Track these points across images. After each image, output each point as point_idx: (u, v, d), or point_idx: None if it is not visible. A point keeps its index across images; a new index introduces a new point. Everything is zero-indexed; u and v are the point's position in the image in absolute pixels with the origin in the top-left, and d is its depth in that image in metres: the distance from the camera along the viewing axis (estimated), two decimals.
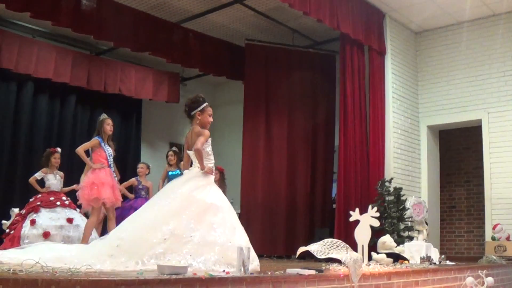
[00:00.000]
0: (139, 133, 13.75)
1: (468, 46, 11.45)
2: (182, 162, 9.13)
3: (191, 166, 6.33)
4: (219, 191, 6.21)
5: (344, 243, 5.75)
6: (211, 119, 6.46)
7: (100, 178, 8.35)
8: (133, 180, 10.72)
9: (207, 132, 6.28)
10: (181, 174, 10.31)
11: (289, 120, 11.94)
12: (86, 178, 8.46)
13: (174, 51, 11.47)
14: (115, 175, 8.69)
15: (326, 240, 5.83)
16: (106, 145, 8.61)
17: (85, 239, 8.01)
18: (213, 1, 10.93)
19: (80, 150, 8.47)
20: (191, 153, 6.26)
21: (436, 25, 11.79)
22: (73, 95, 12.46)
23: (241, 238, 5.85)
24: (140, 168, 10.69)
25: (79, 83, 11.93)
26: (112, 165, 8.64)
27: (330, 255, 5.57)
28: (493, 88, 11.06)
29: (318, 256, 5.55)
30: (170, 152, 10.81)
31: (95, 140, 8.57)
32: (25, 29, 11.53)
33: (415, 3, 10.74)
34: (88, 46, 12.54)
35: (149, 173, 10.82)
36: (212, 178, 6.22)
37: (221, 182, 10.39)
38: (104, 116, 8.79)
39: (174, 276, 4.13)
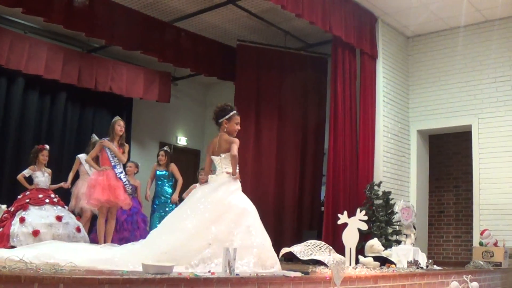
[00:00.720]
0: (129, 132, 13.51)
1: (460, 52, 11.48)
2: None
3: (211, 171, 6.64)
4: (245, 195, 6.44)
5: (327, 245, 5.77)
6: (238, 127, 6.71)
7: (109, 180, 8.58)
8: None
9: (237, 139, 6.55)
10: (168, 173, 10.43)
11: (279, 122, 11.94)
12: (93, 177, 8.67)
13: (166, 50, 11.44)
14: (124, 176, 8.90)
15: (309, 241, 5.88)
16: (107, 149, 8.75)
17: (100, 239, 8.51)
18: (206, 1, 10.93)
19: (89, 159, 8.87)
20: (216, 158, 6.55)
21: (428, 30, 11.82)
22: (64, 92, 12.42)
23: (268, 240, 6.19)
24: (129, 167, 10.65)
25: (70, 80, 11.87)
26: (117, 166, 8.77)
27: (312, 257, 5.59)
28: (483, 94, 11.09)
29: (301, 257, 5.59)
30: (162, 152, 10.79)
31: (98, 145, 8.81)
32: (17, 25, 11.47)
33: (408, 7, 10.75)
34: (80, 44, 12.50)
35: (137, 172, 10.80)
36: (239, 183, 6.47)
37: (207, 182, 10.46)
38: (116, 118, 8.99)
39: (159, 276, 4.13)
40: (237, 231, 5.89)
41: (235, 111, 6.72)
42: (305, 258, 5.57)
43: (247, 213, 6.14)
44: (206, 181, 6.62)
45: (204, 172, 6.79)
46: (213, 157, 6.63)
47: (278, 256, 6.13)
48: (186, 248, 5.58)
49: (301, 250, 5.70)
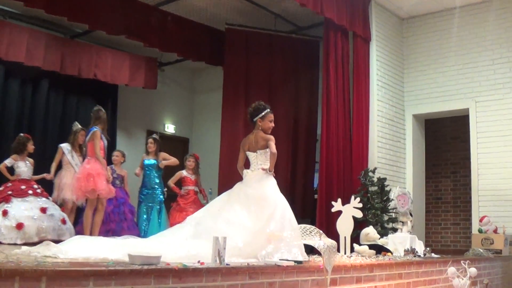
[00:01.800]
0: (115, 120, 13.61)
1: (456, 33, 11.43)
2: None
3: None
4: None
5: (317, 229, 5.89)
6: (272, 124, 7.16)
7: (97, 169, 8.58)
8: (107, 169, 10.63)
9: (273, 137, 7.00)
10: (157, 163, 10.36)
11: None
12: (82, 169, 8.70)
13: (151, 35, 11.35)
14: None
15: (298, 225, 6.02)
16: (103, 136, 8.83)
17: (86, 231, 8.56)
18: None
19: (98, 154, 8.73)
20: (252, 154, 7.00)
21: (424, 11, 11.78)
22: (46, 80, 12.34)
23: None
24: (115, 156, 10.58)
25: (52, 67, 11.78)
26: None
27: (303, 241, 5.71)
28: (481, 76, 11.07)
29: (290, 243, 5.66)
30: (150, 140, 10.67)
31: (96, 132, 8.73)
32: None
33: None
34: (62, 29, 12.38)
35: (124, 161, 10.73)
36: (275, 179, 6.94)
37: (195, 170, 10.44)
38: (98, 107, 9.05)
39: (146, 267, 4.10)
40: (286, 225, 6.32)
41: (268, 109, 7.18)
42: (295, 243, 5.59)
43: (288, 207, 6.62)
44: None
45: (238, 166, 7.20)
46: (249, 153, 7.07)
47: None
48: (252, 246, 5.95)
49: (290, 235, 5.86)
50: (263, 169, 6.85)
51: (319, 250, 5.48)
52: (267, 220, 6.29)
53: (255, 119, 7.13)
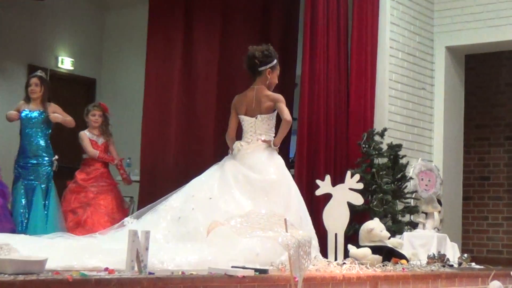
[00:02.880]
0: None
1: None
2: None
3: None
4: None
5: (284, 217, 5.77)
6: (276, 80, 7.88)
7: None
8: None
9: (282, 97, 7.71)
10: (44, 116, 10.16)
11: (222, 37, 11.82)
12: None
13: None
14: None
15: (256, 211, 6.01)
16: None
17: None
18: None
19: None
20: (249, 120, 7.64)
21: None
22: None
23: None
24: None
25: None
26: None
27: (257, 234, 5.64)
28: None
29: (239, 236, 5.75)
30: (34, 80, 10.48)
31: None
32: None
33: None
34: None
35: None
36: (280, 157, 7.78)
37: (104, 129, 10.52)
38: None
39: (21, 277, 4.12)
40: (303, 221, 7.28)
41: (277, 58, 7.83)
42: (247, 236, 5.69)
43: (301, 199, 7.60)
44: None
45: (228, 136, 7.91)
46: (244, 118, 7.70)
47: (206, 235, 6.57)
48: (270, 251, 6.50)
49: (240, 224, 5.70)
50: (265, 141, 7.55)
51: (282, 246, 5.42)
52: (284, 213, 6.50)
53: (262, 69, 7.72)
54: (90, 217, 9.94)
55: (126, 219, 7.49)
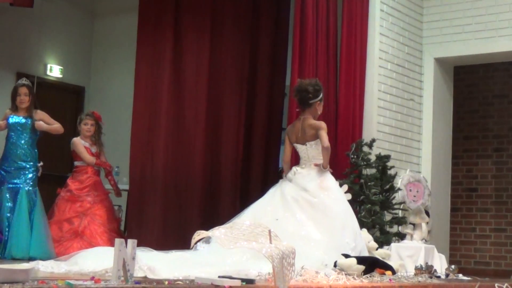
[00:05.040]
0: None
1: None
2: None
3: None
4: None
5: (269, 228, 5.86)
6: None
7: None
8: None
9: (324, 123, 8.60)
10: (30, 122, 10.12)
11: (212, 45, 11.83)
12: None
13: None
14: None
15: (240, 221, 6.24)
16: None
17: None
18: None
19: None
20: (301, 147, 8.62)
21: None
22: None
23: None
24: None
25: None
26: None
27: (241, 245, 5.75)
28: None
29: (223, 246, 5.84)
30: (23, 89, 10.42)
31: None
32: None
33: None
34: None
35: None
36: (332, 176, 8.72)
37: (96, 138, 10.50)
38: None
39: (6, 286, 4.17)
40: (357, 237, 8.30)
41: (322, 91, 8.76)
42: (231, 247, 5.79)
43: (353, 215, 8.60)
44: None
45: (284, 161, 8.96)
46: (297, 146, 8.67)
47: (191, 245, 6.44)
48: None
49: (224, 234, 5.79)
50: (316, 165, 8.45)
51: (267, 258, 5.49)
52: (341, 232, 8.02)
53: (312, 101, 8.52)
54: (88, 227, 9.94)
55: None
